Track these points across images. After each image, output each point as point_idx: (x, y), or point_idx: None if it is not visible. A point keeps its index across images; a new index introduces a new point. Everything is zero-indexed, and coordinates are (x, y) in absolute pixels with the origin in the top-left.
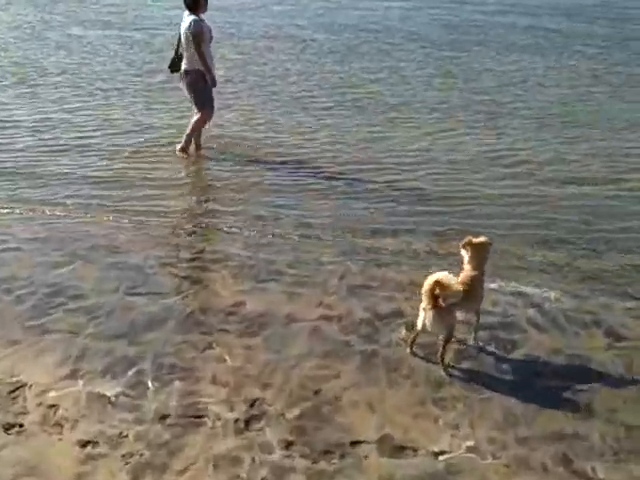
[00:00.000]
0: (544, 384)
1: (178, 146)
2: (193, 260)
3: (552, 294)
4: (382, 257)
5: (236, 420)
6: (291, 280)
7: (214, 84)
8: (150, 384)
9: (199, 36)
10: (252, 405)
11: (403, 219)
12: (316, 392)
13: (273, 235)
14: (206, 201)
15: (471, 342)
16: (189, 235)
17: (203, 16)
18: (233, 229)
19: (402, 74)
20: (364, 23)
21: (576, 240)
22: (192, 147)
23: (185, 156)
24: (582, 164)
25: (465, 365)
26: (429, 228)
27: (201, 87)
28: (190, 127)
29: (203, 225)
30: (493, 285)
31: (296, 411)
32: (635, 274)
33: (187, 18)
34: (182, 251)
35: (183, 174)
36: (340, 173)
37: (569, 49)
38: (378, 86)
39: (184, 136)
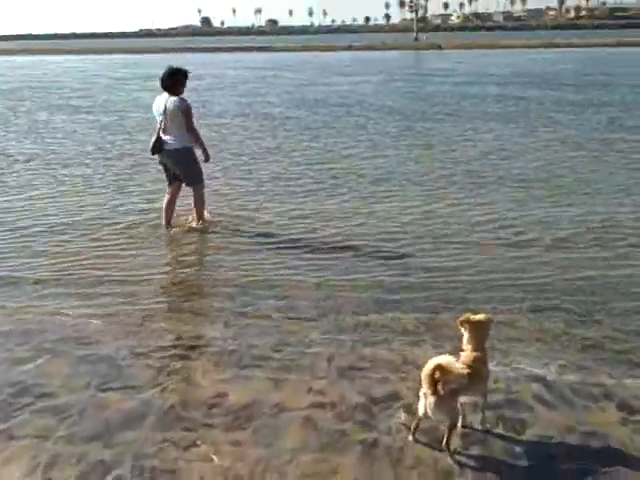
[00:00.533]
0: (560, 467)
1: (194, 224)
2: (169, 348)
3: (553, 366)
4: (370, 335)
5: None
6: (276, 365)
7: (208, 158)
8: None
9: (189, 112)
10: None
11: (389, 294)
12: None
13: (255, 317)
14: (180, 283)
15: (478, 425)
16: (164, 320)
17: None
18: (212, 312)
19: (380, 147)
20: (334, 98)
21: (571, 307)
22: (176, 220)
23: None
24: (570, 229)
25: (474, 451)
26: (416, 302)
27: (192, 162)
28: (195, 205)
29: (179, 308)
30: (493, 362)
31: None
32: (637, 339)
33: (169, 98)
34: (157, 338)
35: (156, 255)
36: (320, 249)
37: (542, 116)
38: (357, 160)
39: (194, 216)
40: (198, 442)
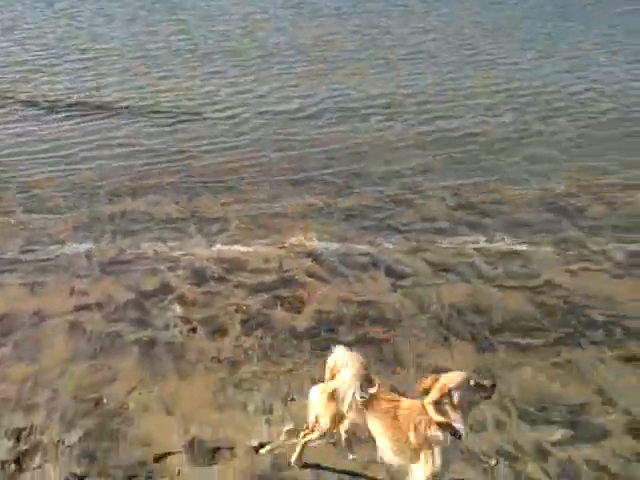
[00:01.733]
0: (347, 340)
1: None
2: None
3: (322, 241)
4: (129, 224)
5: (3, 463)
6: (29, 268)
7: None
8: None
9: None
10: (18, 438)
11: (142, 179)
12: (97, 403)
13: None
14: None
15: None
16: None
17: None
18: None
19: None
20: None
21: (330, 179)
22: None
23: None
24: (322, 105)
25: (258, 334)
26: (175, 185)
27: None
28: None
29: None
30: (263, 241)
31: (78, 433)
32: (394, 206)
33: None
34: None
35: None
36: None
37: None
38: None
39: None
40: None
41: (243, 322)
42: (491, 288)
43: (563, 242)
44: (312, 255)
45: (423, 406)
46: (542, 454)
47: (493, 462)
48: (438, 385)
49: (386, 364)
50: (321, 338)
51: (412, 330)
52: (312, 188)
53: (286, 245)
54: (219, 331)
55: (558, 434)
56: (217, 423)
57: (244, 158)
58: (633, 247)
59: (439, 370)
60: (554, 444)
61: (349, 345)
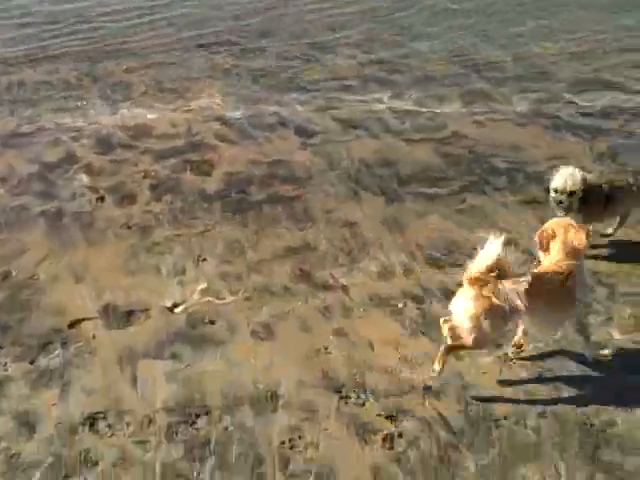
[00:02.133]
0: (257, 200)
1: None
2: None
3: (229, 102)
4: (29, 95)
5: None
6: None
7: None
8: None
9: None
10: None
11: (44, 45)
12: (5, 276)
13: None
14: None
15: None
16: None
17: None
18: None
19: None
20: None
21: (237, 39)
22: None
23: None
24: None
25: (162, 205)
26: (81, 54)
27: None
28: None
29: None
30: (170, 105)
31: None
32: (301, 64)
33: None
34: None
35: None
36: None
37: None
38: None
39: None
40: None
41: (152, 188)
42: (399, 142)
43: (470, 94)
44: (220, 118)
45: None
46: (447, 295)
47: (401, 304)
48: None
49: (297, 221)
50: (231, 199)
51: (322, 186)
52: (218, 50)
53: (193, 109)
54: (128, 198)
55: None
56: (130, 287)
57: (146, 22)
58: (535, 96)
59: (349, 224)
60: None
61: (260, 204)
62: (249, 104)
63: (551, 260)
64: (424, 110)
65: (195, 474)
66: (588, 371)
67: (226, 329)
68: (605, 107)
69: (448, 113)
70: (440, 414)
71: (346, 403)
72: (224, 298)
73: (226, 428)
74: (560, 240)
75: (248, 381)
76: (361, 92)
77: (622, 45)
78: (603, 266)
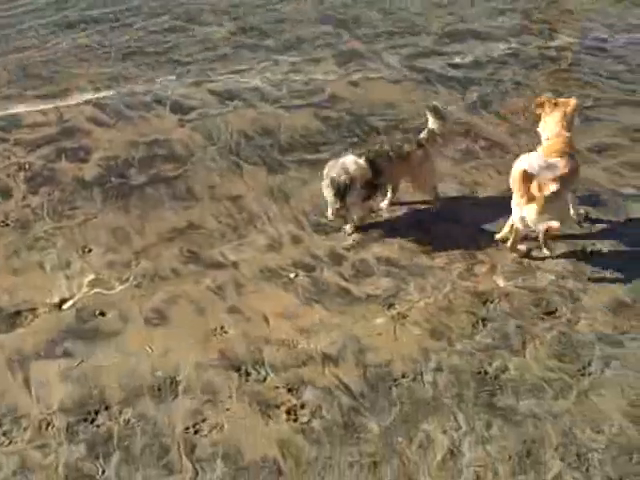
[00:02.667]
0: (138, 183)
1: None
2: None
3: (100, 83)
4: None
5: None
6: None
7: None
8: None
9: None
10: None
11: None
12: None
13: None
14: None
15: None
16: None
17: None
18: None
19: None
20: None
21: (100, 16)
22: None
23: None
24: None
25: (40, 198)
26: None
27: None
28: None
29: None
30: (38, 92)
31: None
32: (165, 37)
33: None
34: None
35: None
36: None
37: None
38: None
39: None
40: None
41: (28, 180)
42: (277, 109)
43: (343, 55)
44: (92, 101)
45: None
46: (337, 259)
47: (292, 275)
48: None
49: (181, 200)
50: (112, 185)
51: (204, 163)
52: (84, 29)
53: (63, 93)
54: (3, 193)
55: (350, 239)
56: (14, 287)
57: (4, 7)
58: (406, 51)
59: (233, 198)
60: (347, 249)
61: (141, 187)
62: (121, 84)
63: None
64: (299, 75)
65: (100, 472)
66: (478, 319)
67: (118, 319)
68: (474, 57)
69: (323, 76)
70: (340, 380)
71: (247, 380)
72: (113, 288)
73: (128, 421)
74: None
75: (146, 370)
76: (235, 62)
77: None
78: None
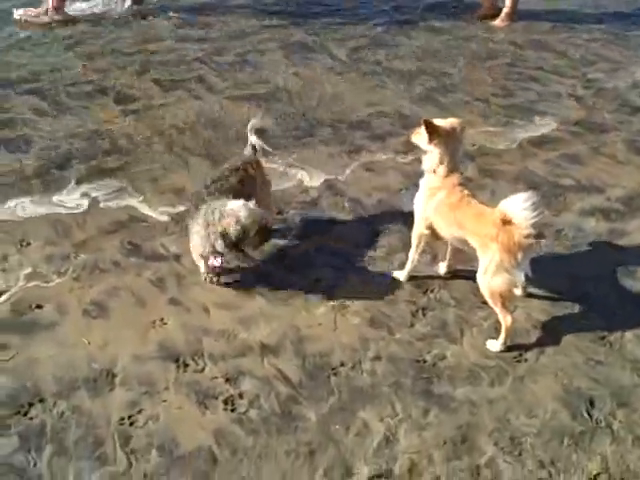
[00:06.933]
0: (80, 175)
1: None
2: None
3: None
4: None
5: None
6: None
7: None
8: None
9: None
10: None
11: None
12: None
13: None
14: None
15: None
16: None
17: None
18: None
19: None
20: None
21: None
22: None
23: None
24: None
25: None
26: None
27: None
28: None
29: None
30: None
31: None
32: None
33: None
34: None
35: None
36: None
37: None
38: None
39: None
40: None
41: None
42: (222, 100)
43: (289, 46)
44: (33, 90)
45: None
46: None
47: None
48: None
49: (126, 193)
50: (52, 177)
51: (147, 155)
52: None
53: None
54: None
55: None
56: None
57: None
58: (353, 43)
59: (177, 190)
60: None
61: (81, 181)
62: (63, 72)
63: None
64: (245, 64)
65: (32, 465)
66: (418, 309)
67: (56, 312)
68: (420, 47)
69: (269, 68)
70: (279, 370)
71: (185, 371)
72: (51, 280)
73: (62, 413)
74: None
75: (82, 362)
76: (179, 50)
77: None
78: None
